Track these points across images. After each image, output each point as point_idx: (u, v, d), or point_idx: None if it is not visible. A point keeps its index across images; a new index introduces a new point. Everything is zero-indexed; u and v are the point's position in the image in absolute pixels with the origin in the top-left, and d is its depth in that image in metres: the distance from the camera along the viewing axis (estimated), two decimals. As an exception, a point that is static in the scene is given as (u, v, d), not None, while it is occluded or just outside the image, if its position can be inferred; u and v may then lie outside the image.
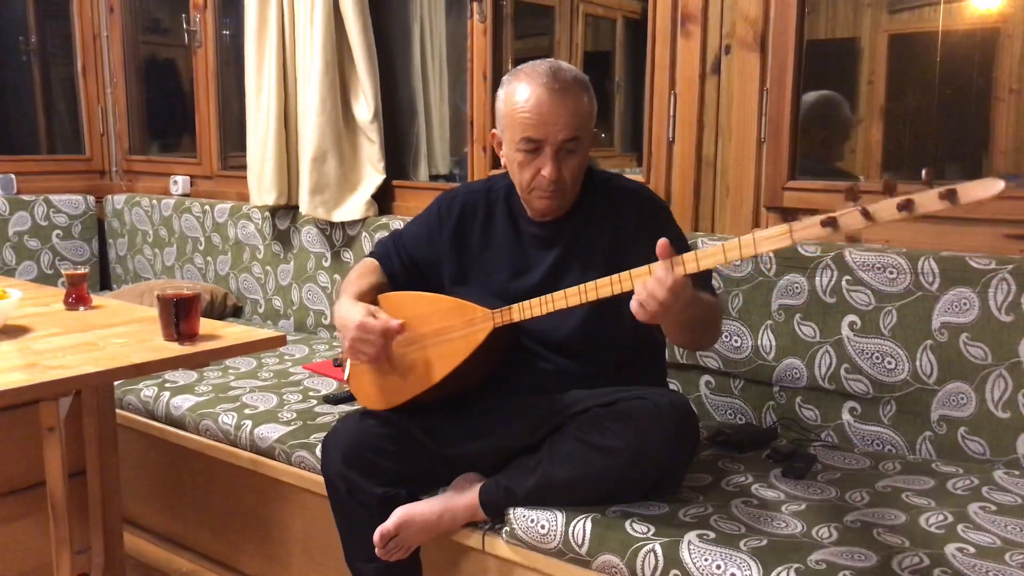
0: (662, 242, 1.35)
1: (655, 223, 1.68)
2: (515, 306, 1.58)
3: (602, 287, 1.46)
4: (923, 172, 1.15)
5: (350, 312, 1.65)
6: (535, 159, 1.61)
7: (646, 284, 1.35)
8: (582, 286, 1.48)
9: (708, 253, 1.33)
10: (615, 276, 1.44)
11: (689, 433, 1.60)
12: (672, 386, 2.03)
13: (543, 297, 1.54)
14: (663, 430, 1.53)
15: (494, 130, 1.71)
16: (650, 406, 1.55)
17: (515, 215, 1.75)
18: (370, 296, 1.75)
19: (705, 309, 1.55)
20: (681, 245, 1.68)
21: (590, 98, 1.63)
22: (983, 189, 1.09)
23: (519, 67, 1.65)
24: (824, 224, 1.20)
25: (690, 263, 1.34)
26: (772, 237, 1.26)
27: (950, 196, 1.11)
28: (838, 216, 1.19)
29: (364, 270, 1.83)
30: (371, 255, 1.89)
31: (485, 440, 1.68)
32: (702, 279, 1.62)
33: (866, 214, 1.17)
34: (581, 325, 1.68)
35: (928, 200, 1.13)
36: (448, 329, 1.63)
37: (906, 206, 1.14)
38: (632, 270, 1.42)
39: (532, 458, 1.62)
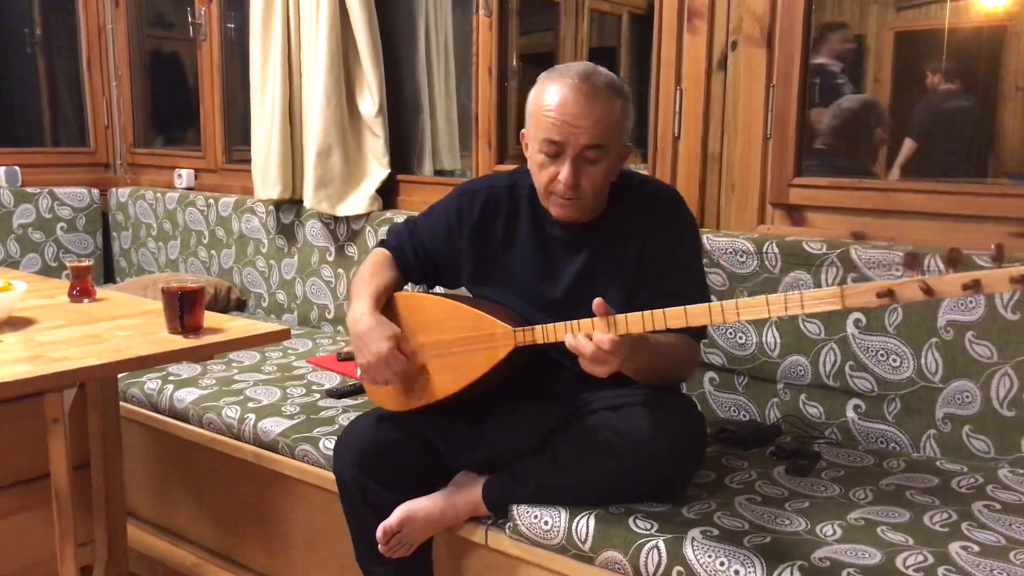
0: (597, 302, 1.37)
1: (680, 238, 1.65)
2: (538, 328, 1.51)
3: (633, 323, 1.38)
4: (992, 247, 1.05)
5: (373, 333, 1.61)
6: (555, 163, 1.54)
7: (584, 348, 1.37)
8: (611, 318, 1.39)
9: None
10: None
11: (695, 440, 1.58)
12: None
13: (570, 323, 1.46)
14: (668, 437, 1.51)
15: (523, 130, 1.64)
16: (657, 412, 1.52)
17: (540, 215, 1.68)
18: (387, 295, 1.71)
19: (663, 358, 1.51)
20: (694, 264, 1.67)
21: (623, 107, 1.56)
22: None
23: (555, 66, 1.59)
24: (880, 295, 1.13)
25: (633, 324, 1.35)
26: (822, 299, 1.19)
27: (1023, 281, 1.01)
28: (895, 288, 1.11)
29: (378, 264, 1.77)
30: (384, 244, 1.84)
31: (498, 447, 1.65)
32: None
33: (927, 291, 1.08)
34: None
35: (998, 282, 1.03)
36: (468, 340, 1.60)
37: (973, 287, 1.04)
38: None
39: (537, 458, 1.61)
